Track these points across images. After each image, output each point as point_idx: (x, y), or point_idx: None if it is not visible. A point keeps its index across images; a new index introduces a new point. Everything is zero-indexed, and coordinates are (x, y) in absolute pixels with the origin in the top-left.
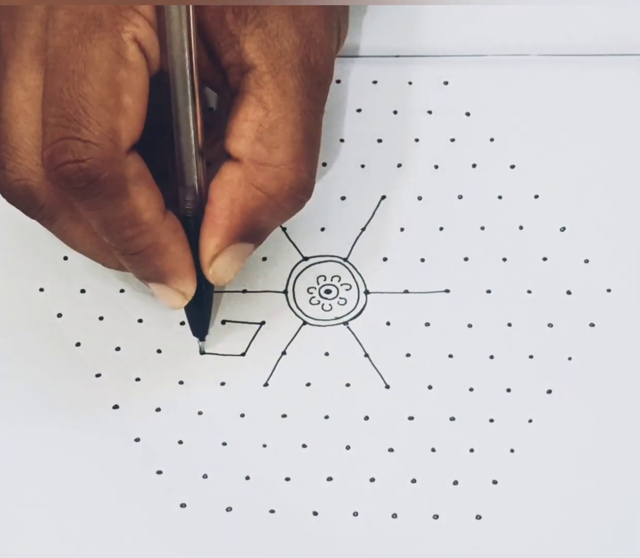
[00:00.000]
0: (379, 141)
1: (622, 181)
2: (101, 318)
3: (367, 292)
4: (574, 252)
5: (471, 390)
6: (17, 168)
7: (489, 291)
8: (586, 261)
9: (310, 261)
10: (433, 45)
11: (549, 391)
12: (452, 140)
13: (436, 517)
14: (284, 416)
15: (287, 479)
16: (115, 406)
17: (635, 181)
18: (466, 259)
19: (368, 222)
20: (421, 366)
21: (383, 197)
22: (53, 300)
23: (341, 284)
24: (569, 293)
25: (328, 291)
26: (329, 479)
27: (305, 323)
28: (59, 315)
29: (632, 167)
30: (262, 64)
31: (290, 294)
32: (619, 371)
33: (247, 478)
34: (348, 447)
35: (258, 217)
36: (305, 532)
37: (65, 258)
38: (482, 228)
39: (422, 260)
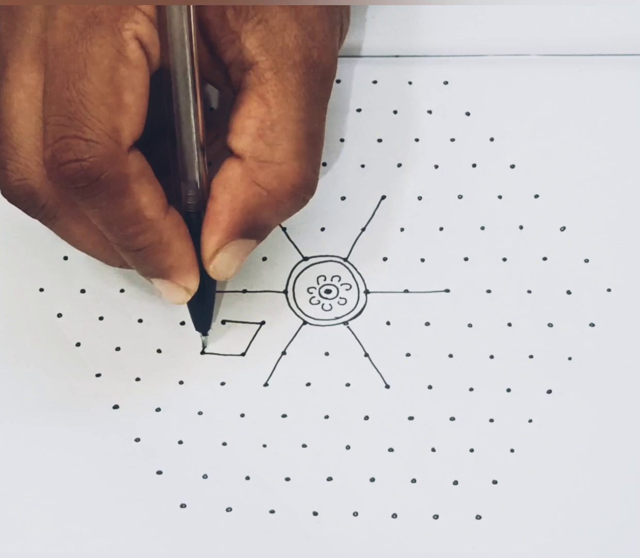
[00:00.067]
0: (379, 140)
1: (622, 181)
2: (101, 318)
3: (367, 292)
4: (574, 252)
5: (471, 390)
6: (18, 168)
7: (489, 291)
8: (586, 261)
9: (311, 261)
10: (433, 45)
11: (549, 391)
12: (452, 140)
13: (436, 517)
14: (284, 416)
15: (287, 479)
16: (116, 406)
17: (635, 181)
18: (466, 259)
19: (368, 222)
20: (421, 366)
21: (383, 197)
22: (53, 300)
23: (341, 284)
24: (569, 292)
25: (328, 291)
26: (329, 479)
27: (305, 322)
28: (59, 315)
29: (632, 167)
30: (264, 60)
31: (290, 294)
32: (619, 371)
33: (247, 478)
34: (348, 447)
35: (259, 214)
36: (305, 532)
37: (65, 258)
38: (482, 228)
39: (422, 260)
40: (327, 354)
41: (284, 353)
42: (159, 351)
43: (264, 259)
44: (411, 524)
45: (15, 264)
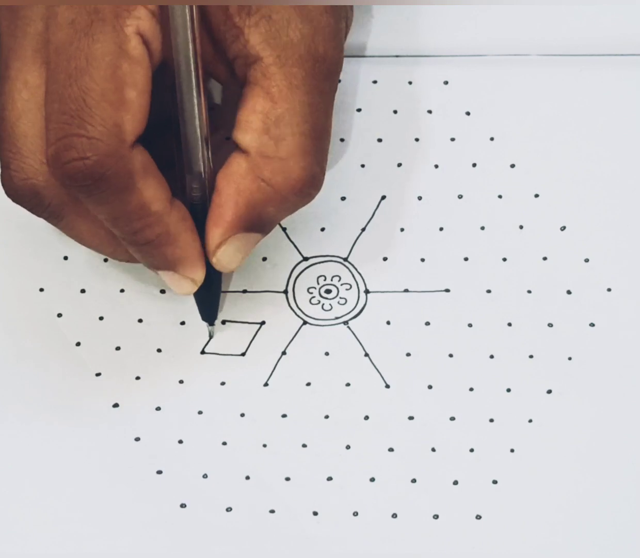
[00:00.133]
0: (379, 140)
1: (622, 181)
2: (101, 318)
3: (367, 292)
4: (574, 251)
5: (471, 389)
6: (22, 168)
7: (489, 291)
8: (586, 261)
9: (311, 261)
10: (433, 45)
11: (549, 391)
12: (452, 139)
13: (436, 517)
14: (284, 416)
15: (287, 479)
16: (115, 406)
17: (635, 181)
18: (466, 258)
19: (368, 222)
20: (421, 365)
21: (383, 197)
22: (53, 300)
23: (341, 284)
24: (569, 292)
25: (328, 291)
26: (329, 479)
27: (305, 322)
28: (59, 315)
29: (632, 167)
30: (268, 55)
31: (290, 294)
32: (619, 371)
33: (247, 478)
34: (348, 447)
35: (263, 209)
36: (305, 532)
37: (65, 258)
38: (482, 228)
39: (422, 260)
40: (327, 354)
41: (284, 353)
42: (159, 350)
43: (264, 259)
44: (411, 524)
45: (15, 265)
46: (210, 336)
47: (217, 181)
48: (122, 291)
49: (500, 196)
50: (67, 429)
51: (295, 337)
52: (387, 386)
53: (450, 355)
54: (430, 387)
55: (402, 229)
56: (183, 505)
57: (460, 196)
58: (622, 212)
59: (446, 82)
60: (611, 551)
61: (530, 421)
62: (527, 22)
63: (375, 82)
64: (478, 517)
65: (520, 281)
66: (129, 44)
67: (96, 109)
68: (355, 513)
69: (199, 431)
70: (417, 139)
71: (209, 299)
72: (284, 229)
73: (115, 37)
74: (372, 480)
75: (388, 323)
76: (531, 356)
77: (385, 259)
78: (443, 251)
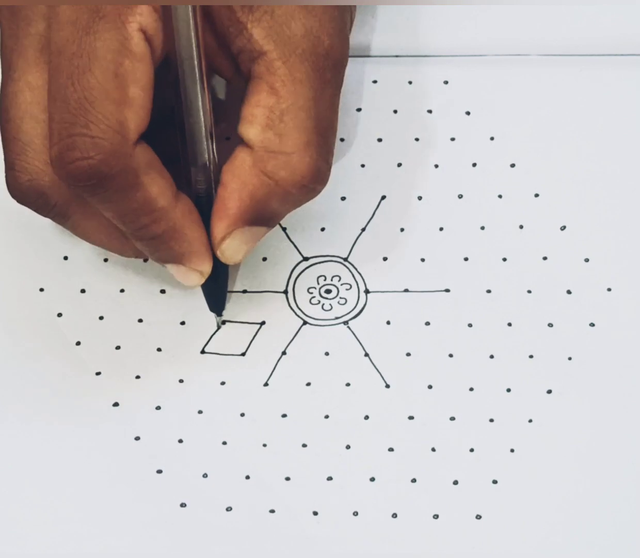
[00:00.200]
0: (379, 140)
1: (622, 180)
2: (101, 318)
3: (367, 291)
4: (574, 251)
5: (471, 389)
6: (26, 168)
7: (489, 291)
8: (586, 260)
9: (311, 261)
10: (433, 45)
11: (549, 391)
12: (452, 139)
13: (436, 516)
14: (284, 415)
15: (287, 479)
16: (115, 405)
17: (635, 181)
18: (466, 258)
19: (368, 222)
20: (421, 365)
21: (383, 197)
22: (53, 300)
23: (341, 284)
24: (569, 292)
25: (328, 291)
26: (329, 479)
27: (305, 322)
28: (59, 315)
29: (632, 167)
30: (272, 50)
31: (290, 294)
32: (619, 371)
33: (247, 477)
34: (348, 447)
35: (267, 203)
36: (305, 532)
37: (65, 258)
38: (482, 228)
39: (422, 260)
40: (327, 354)
41: (284, 352)
42: (159, 350)
43: (264, 259)
44: (411, 524)
45: (16, 264)
46: (218, 327)
47: (222, 174)
48: (122, 291)
49: (500, 196)
50: (67, 429)
51: (295, 337)
52: (387, 386)
53: (450, 355)
54: (430, 387)
55: (402, 229)
56: (183, 505)
57: (460, 196)
58: (622, 212)
59: (446, 82)
60: (611, 551)
61: (530, 421)
62: (527, 22)
63: (375, 82)
64: (478, 517)
65: (520, 281)
66: (131, 41)
67: (99, 107)
68: (355, 513)
69: (199, 431)
70: (417, 139)
71: (217, 290)
72: (284, 229)
73: (117, 35)
74: (372, 480)
75: (388, 323)
76: (531, 356)
77: (385, 259)
78: (443, 251)
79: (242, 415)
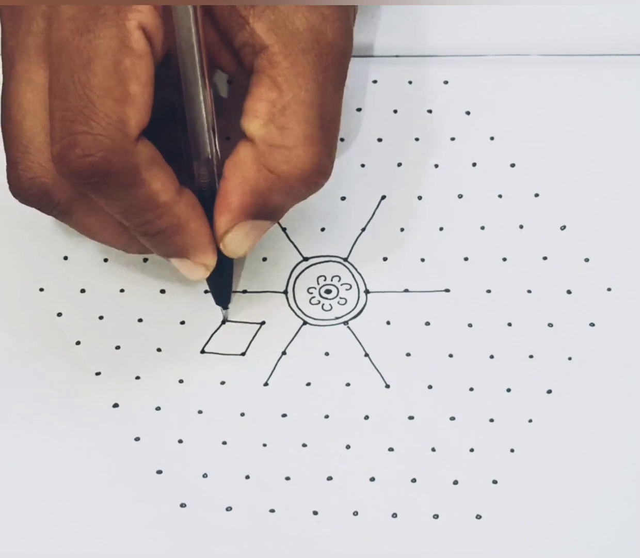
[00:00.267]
0: (379, 140)
1: (622, 180)
2: (101, 317)
3: (367, 292)
4: (574, 251)
5: (471, 389)
6: (29, 167)
7: (489, 291)
8: (586, 260)
9: (311, 261)
10: (433, 45)
11: (549, 391)
12: (452, 139)
13: (436, 516)
14: (284, 415)
15: (287, 478)
16: (115, 405)
17: (635, 181)
18: (466, 258)
19: (368, 222)
20: (421, 365)
21: (383, 196)
22: (53, 299)
23: (341, 284)
24: (569, 292)
25: (328, 291)
26: (329, 478)
27: (305, 322)
28: (59, 314)
29: (632, 167)
30: (274, 44)
31: (290, 294)
32: (619, 371)
33: (247, 477)
34: (348, 447)
35: (269, 197)
36: (305, 531)
37: (66, 258)
38: (482, 227)
39: (422, 260)
40: (327, 354)
41: (284, 352)
42: (158, 350)
43: (264, 259)
44: (411, 524)
45: (16, 264)
46: (224, 321)
47: (225, 168)
48: (122, 290)
49: (500, 196)
50: (67, 428)
51: (295, 337)
52: (387, 386)
53: (450, 355)
54: (430, 387)
55: (402, 229)
56: (183, 505)
57: (460, 196)
58: (622, 212)
59: (446, 82)
60: (611, 551)
61: (530, 421)
62: (527, 22)
63: (375, 81)
64: (478, 517)
65: (520, 280)
66: (131, 39)
67: (99, 105)
68: (355, 513)
69: (199, 431)
70: (417, 139)
71: (221, 283)
72: (284, 229)
73: (117, 32)
74: (372, 479)
75: (388, 323)
76: (531, 356)
77: (385, 259)
78: (443, 250)
79: (242, 414)
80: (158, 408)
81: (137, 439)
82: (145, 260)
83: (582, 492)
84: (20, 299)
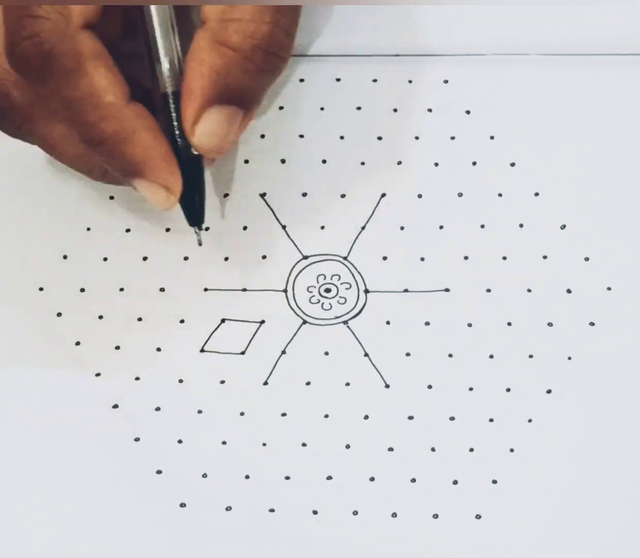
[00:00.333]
0: (379, 138)
1: (622, 179)
2: (101, 317)
3: (366, 291)
4: (574, 250)
5: (471, 389)
6: None
7: (488, 290)
8: (586, 259)
9: (310, 259)
10: (433, 44)
11: (549, 391)
12: (452, 138)
13: (436, 516)
14: (283, 415)
15: (287, 478)
16: (115, 406)
17: (635, 181)
18: (466, 257)
19: (368, 220)
20: (421, 365)
21: (383, 195)
22: (53, 299)
23: (341, 283)
24: (569, 291)
25: (328, 290)
26: (329, 478)
27: (305, 322)
28: (59, 314)
29: (632, 166)
30: None
31: (289, 293)
32: (619, 371)
33: (247, 477)
34: (348, 446)
35: (229, 75)
36: (305, 531)
37: (65, 257)
38: (482, 226)
39: (422, 259)
40: (326, 353)
41: (283, 352)
42: (158, 349)
43: (264, 257)
44: (411, 524)
45: (15, 263)
46: (200, 244)
47: (185, 64)
48: (121, 290)
49: (500, 195)
50: (67, 429)
51: (295, 336)
52: (387, 386)
53: (450, 355)
54: (430, 387)
55: (402, 228)
56: (183, 505)
57: (460, 195)
58: (622, 211)
59: (446, 81)
60: (611, 551)
61: (529, 421)
62: (527, 22)
63: (375, 80)
64: (478, 517)
65: (520, 280)
66: None
67: None
68: (355, 513)
69: (199, 431)
70: (417, 138)
71: (192, 201)
72: (284, 227)
73: None
74: (372, 479)
75: (388, 322)
76: (531, 356)
77: (385, 258)
78: (443, 250)
79: (242, 414)
80: (158, 408)
81: (136, 439)
82: (145, 259)
83: (582, 492)
84: (20, 299)
